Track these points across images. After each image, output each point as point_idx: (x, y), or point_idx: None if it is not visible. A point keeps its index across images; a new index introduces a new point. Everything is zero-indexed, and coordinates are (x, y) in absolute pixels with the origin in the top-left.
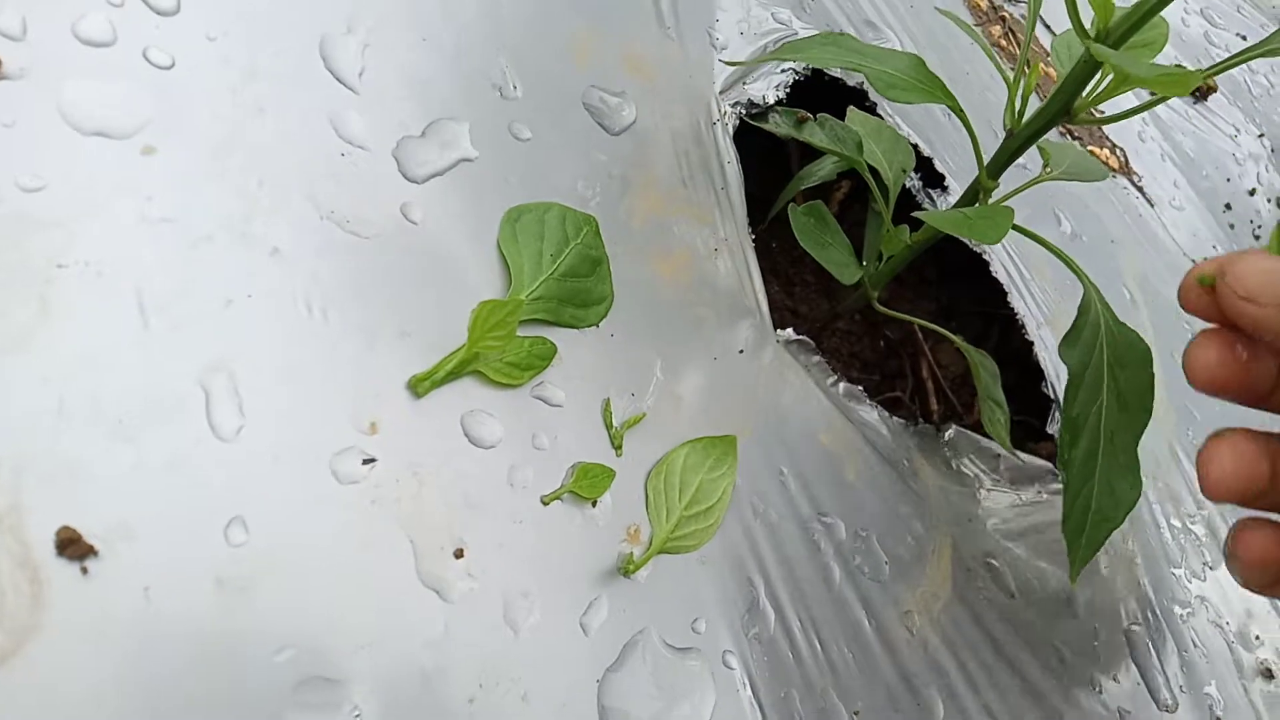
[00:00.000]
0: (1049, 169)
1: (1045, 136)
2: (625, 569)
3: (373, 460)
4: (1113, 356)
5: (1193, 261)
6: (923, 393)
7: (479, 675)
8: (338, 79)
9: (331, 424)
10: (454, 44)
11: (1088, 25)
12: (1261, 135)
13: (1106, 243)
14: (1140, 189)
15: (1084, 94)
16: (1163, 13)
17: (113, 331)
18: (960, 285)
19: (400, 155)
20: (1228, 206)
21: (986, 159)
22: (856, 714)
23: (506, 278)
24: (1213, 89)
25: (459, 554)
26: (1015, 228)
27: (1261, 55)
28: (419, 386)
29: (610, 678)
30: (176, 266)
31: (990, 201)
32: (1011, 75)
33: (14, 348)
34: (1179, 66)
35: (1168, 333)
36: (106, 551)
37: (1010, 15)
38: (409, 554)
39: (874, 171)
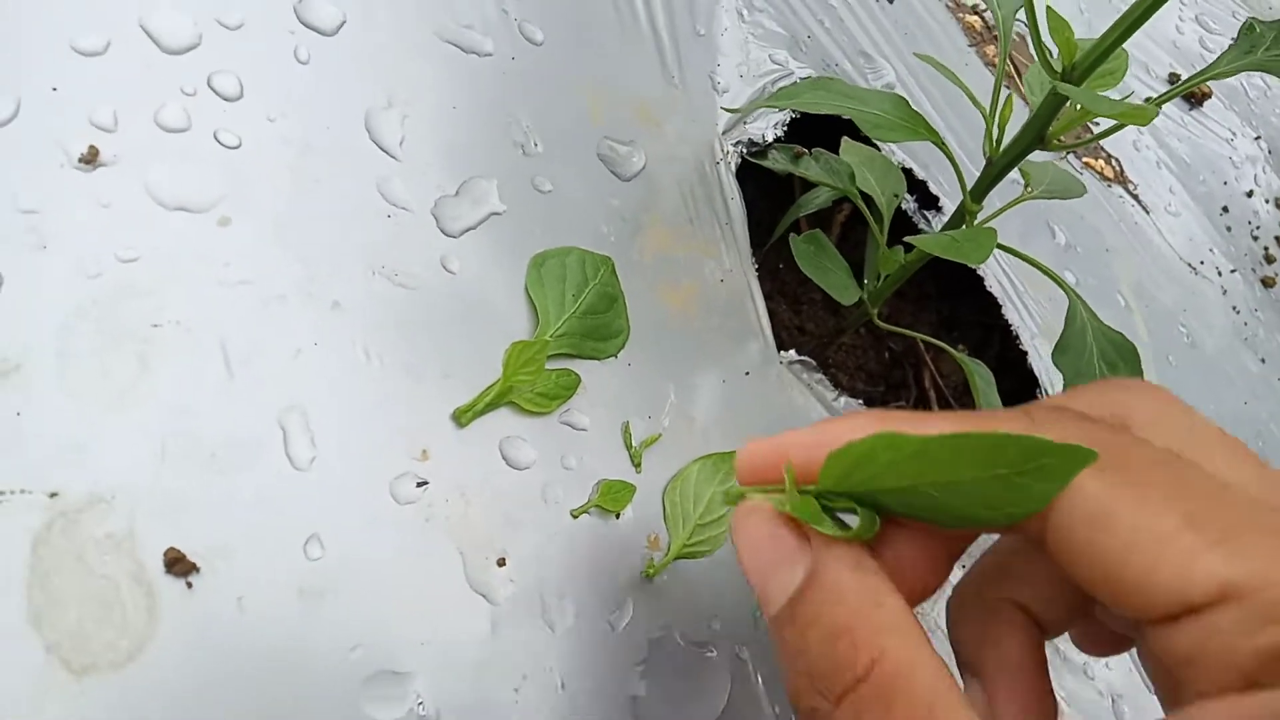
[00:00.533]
0: (1029, 189)
1: (1038, 153)
2: (647, 572)
3: (425, 483)
4: (1104, 359)
5: (1189, 266)
6: (926, 402)
7: (522, 668)
8: (381, 149)
9: (389, 453)
10: (481, 109)
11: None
12: (1259, 138)
13: (1101, 252)
14: (1136, 197)
15: (1054, 124)
16: (1157, 20)
17: (202, 381)
18: (960, 298)
19: (438, 213)
20: (1225, 209)
21: (973, 183)
22: None
23: (534, 318)
24: (1207, 94)
25: (502, 563)
26: (1000, 246)
27: (1212, 78)
28: (462, 417)
29: (638, 669)
30: (253, 323)
31: (975, 223)
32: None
33: (120, 399)
34: (1149, 99)
35: (1163, 336)
36: (206, 568)
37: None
38: (459, 563)
39: (868, 198)
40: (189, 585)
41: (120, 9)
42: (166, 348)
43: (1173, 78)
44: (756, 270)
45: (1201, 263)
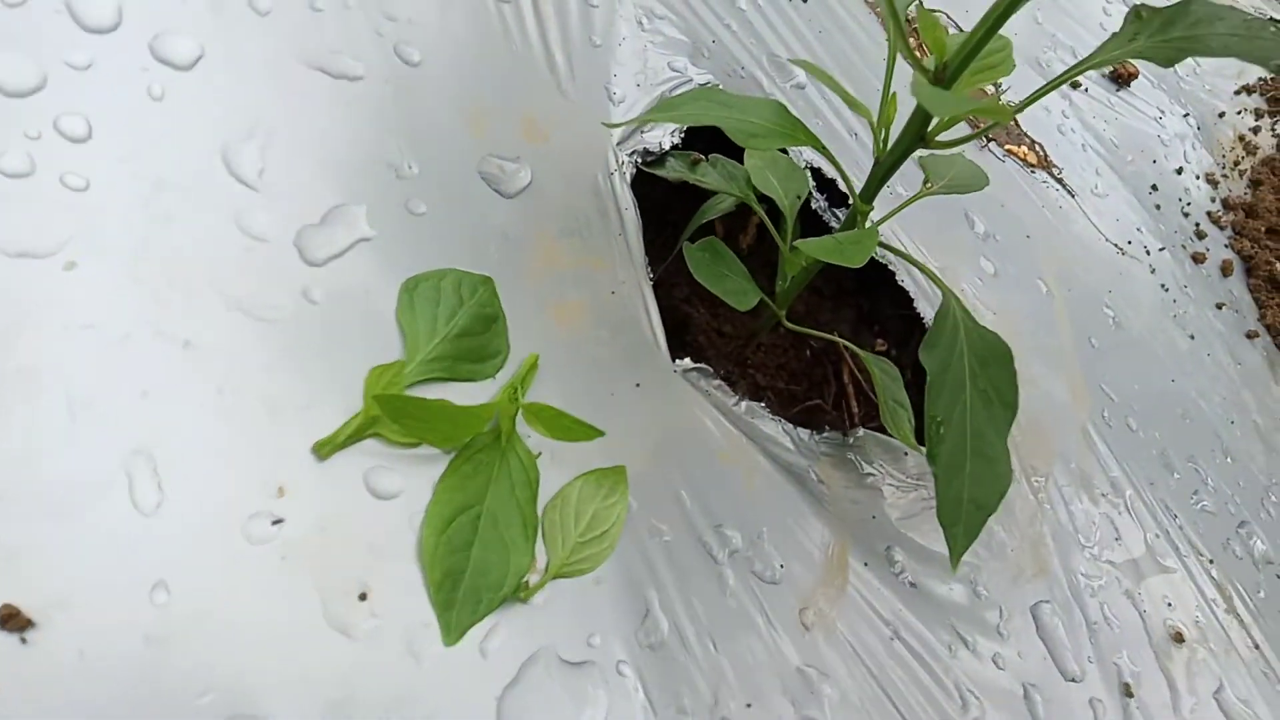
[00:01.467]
0: (929, 184)
1: (936, 152)
2: (520, 595)
3: (281, 520)
4: (974, 358)
5: (1116, 247)
6: (845, 398)
7: (386, 702)
8: (240, 181)
9: (242, 491)
10: (350, 135)
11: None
12: (1187, 115)
13: (1022, 239)
14: (1061, 181)
15: (933, 124)
16: (1083, 3)
17: (44, 427)
18: (879, 292)
19: (300, 243)
20: (1154, 188)
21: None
22: (749, 706)
23: (404, 343)
24: (1134, 74)
25: (363, 597)
26: (883, 245)
27: (1091, 68)
28: (321, 450)
29: (509, 694)
30: (99, 366)
31: (868, 223)
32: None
33: None
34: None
35: (1086, 319)
36: (44, 622)
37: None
38: (316, 601)
39: (770, 200)
40: (23, 641)
41: None
42: (7, 395)
43: None
44: (652, 278)
45: (1129, 242)
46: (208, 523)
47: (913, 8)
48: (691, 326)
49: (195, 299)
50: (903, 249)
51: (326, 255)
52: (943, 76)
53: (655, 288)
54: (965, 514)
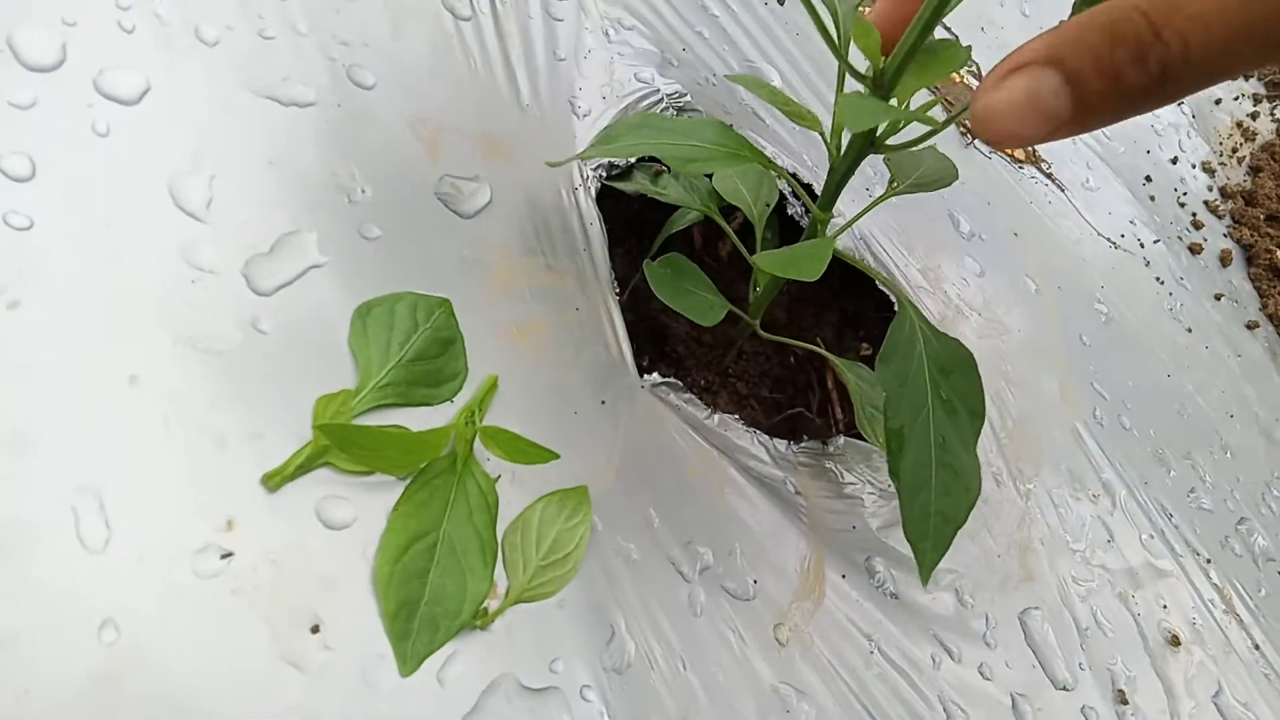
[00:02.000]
0: (895, 184)
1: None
2: (479, 622)
3: (230, 554)
4: (935, 366)
5: (1109, 241)
6: (829, 404)
7: None
8: (187, 213)
9: (190, 526)
10: (301, 162)
11: None
12: (1181, 103)
13: (1009, 237)
14: (1050, 175)
15: (880, 129)
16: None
17: None
18: (862, 295)
19: (249, 272)
20: (1148, 179)
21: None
22: None
23: (357, 369)
24: None
25: (315, 629)
26: (839, 255)
27: None
28: (270, 482)
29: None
30: (43, 404)
31: (828, 231)
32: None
33: None
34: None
35: (1077, 317)
36: None
37: None
38: (267, 635)
39: (734, 210)
40: None
41: None
42: None
43: None
44: (618, 293)
45: (1122, 236)
46: (156, 558)
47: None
48: (670, 337)
49: (141, 334)
50: (882, 252)
51: (276, 284)
52: (881, 82)
53: (631, 300)
54: (933, 528)
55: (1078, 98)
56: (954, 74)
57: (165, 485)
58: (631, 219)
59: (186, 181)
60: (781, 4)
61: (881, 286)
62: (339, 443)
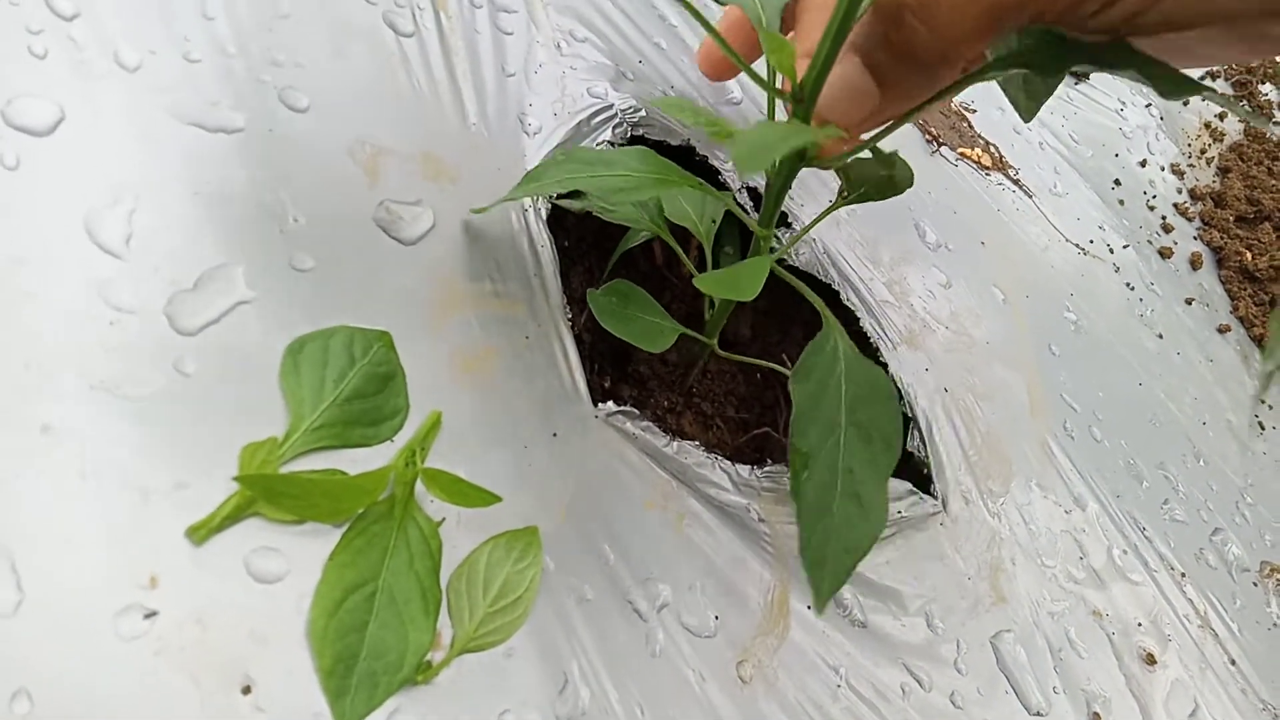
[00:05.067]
0: (845, 193)
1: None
2: (417, 679)
3: (154, 613)
4: (852, 393)
5: (1077, 247)
6: None
7: None
8: (105, 250)
9: (110, 584)
10: (228, 191)
11: None
12: (1149, 105)
13: (975, 246)
14: (1017, 182)
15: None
16: None
17: None
18: (828, 307)
19: (171, 311)
20: (1117, 183)
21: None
22: None
23: (288, 411)
24: None
25: (246, 690)
26: (774, 271)
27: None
28: (195, 535)
29: None
30: None
31: (770, 248)
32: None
33: None
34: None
35: (1046, 325)
36: None
37: None
38: (195, 698)
39: (681, 231)
40: None
41: None
42: None
43: None
44: (569, 319)
45: (1091, 242)
46: (74, 620)
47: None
48: (633, 357)
49: (54, 380)
50: (846, 266)
51: (201, 323)
52: (801, 97)
53: (591, 321)
54: (831, 556)
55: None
56: None
57: (82, 541)
58: (588, 237)
59: (104, 216)
60: None
61: (806, 296)
62: (264, 494)
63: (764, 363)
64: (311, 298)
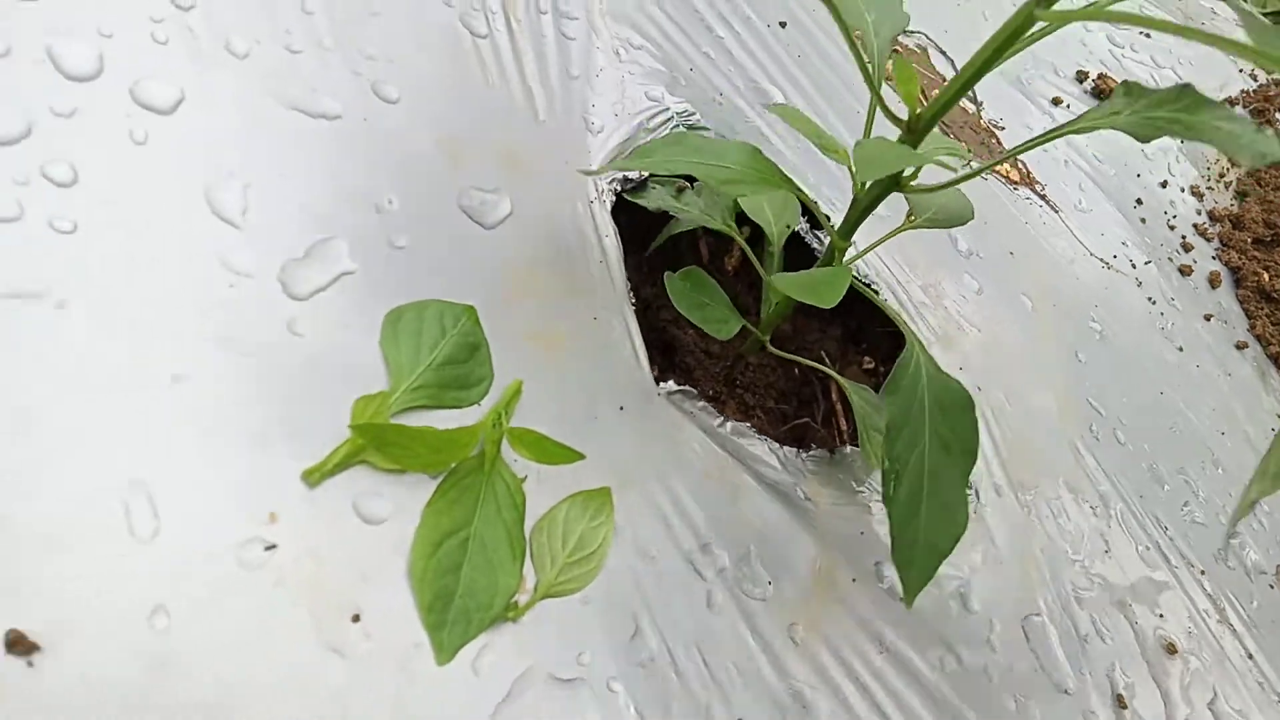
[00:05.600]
0: (912, 218)
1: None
2: (509, 615)
3: (274, 546)
4: (934, 404)
5: (1101, 261)
6: (834, 415)
7: (384, 717)
8: (223, 219)
9: (235, 519)
10: (331, 172)
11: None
12: None
13: (1005, 256)
14: (1044, 197)
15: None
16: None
17: (41, 463)
18: (866, 311)
19: (284, 278)
20: (1139, 202)
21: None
22: None
23: (389, 372)
24: (1114, 88)
25: (356, 619)
26: (854, 285)
27: (1071, 133)
28: (310, 478)
29: (502, 710)
30: (90, 402)
31: (845, 259)
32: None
33: None
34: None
35: (1072, 333)
36: (49, 646)
37: (903, 47)
38: (309, 624)
39: (754, 229)
40: (30, 665)
41: None
42: (3, 430)
43: (1080, 75)
44: (634, 304)
45: (1115, 256)
46: (204, 549)
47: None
48: (679, 348)
49: (183, 335)
50: (885, 269)
51: (310, 289)
52: (915, 128)
53: (642, 311)
54: (919, 556)
55: None
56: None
57: (210, 479)
58: (639, 231)
59: (222, 188)
60: (784, 27)
61: (891, 318)
62: (374, 442)
63: (811, 363)
64: (406, 272)
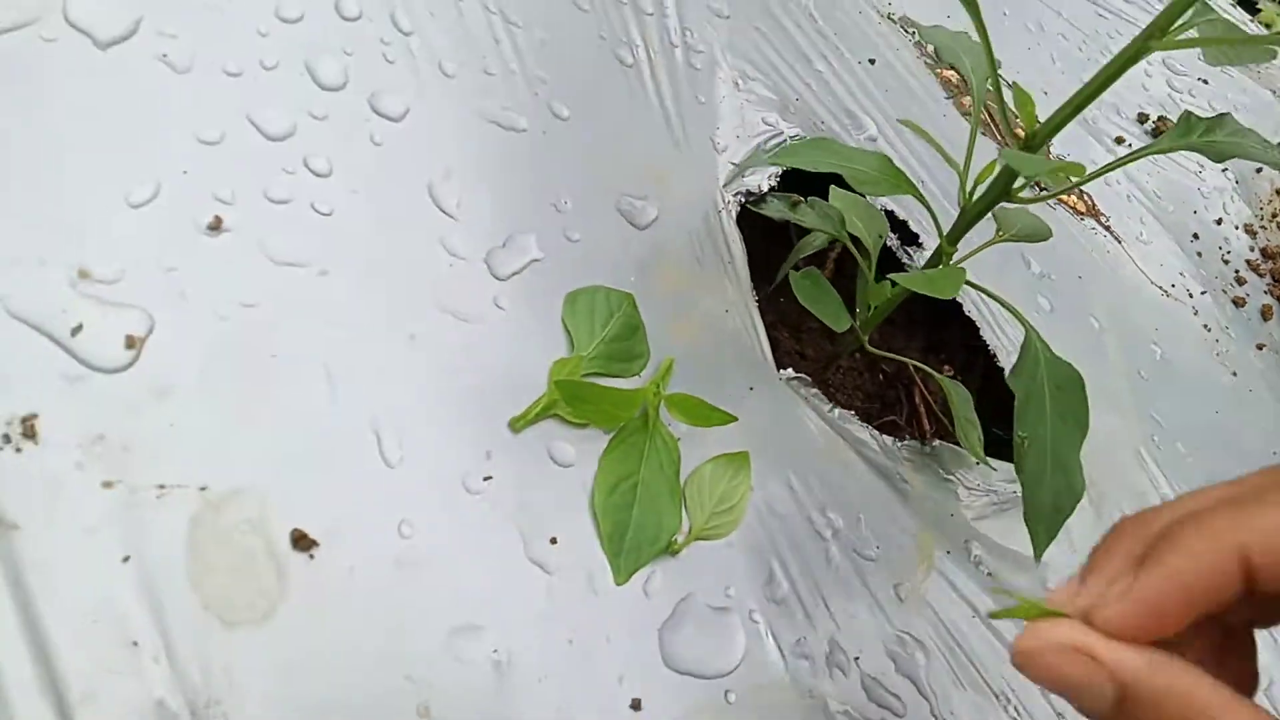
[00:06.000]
0: (1000, 233)
1: (1036, 202)
2: (672, 550)
3: (490, 478)
4: (1051, 383)
5: (1161, 290)
6: (917, 416)
7: (574, 624)
8: (443, 210)
9: (459, 454)
10: (520, 175)
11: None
12: (1225, 169)
13: (1074, 279)
14: (1108, 228)
15: (1016, 183)
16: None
17: (312, 398)
18: (945, 323)
19: (490, 261)
20: (1195, 236)
21: (949, 227)
22: (857, 659)
23: (569, 344)
24: None
25: (554, 541)
26: (969, 284)
27: (1155, 153)
28: (515, 425)
29: (667, 626)
30: (348, 352)
31: (951, 262)
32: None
33: (250, 413)
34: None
35: (1135, 354)
36: (324, 544)
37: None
38: (519, 541)
39: (855, 239)
40: (311, 558)
41: (231, 106)
42: (282, 372)
43: (1141, 118)
44: (758, 303)
45: (1173, 286)
46: (437, 476)
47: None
48: (777, 350)
49: (416, 302)
50: (968, 285)
51: (509, 272)
52: (1031, 144)
53: None
54: (1046, 517)
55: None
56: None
57: (441, 419)
58: (749, 245)
59: (441, 185)
60: (872, 63)
61: (1009, 312)
62: (569, 395)
63: (907, 359)
64: (579, 262)
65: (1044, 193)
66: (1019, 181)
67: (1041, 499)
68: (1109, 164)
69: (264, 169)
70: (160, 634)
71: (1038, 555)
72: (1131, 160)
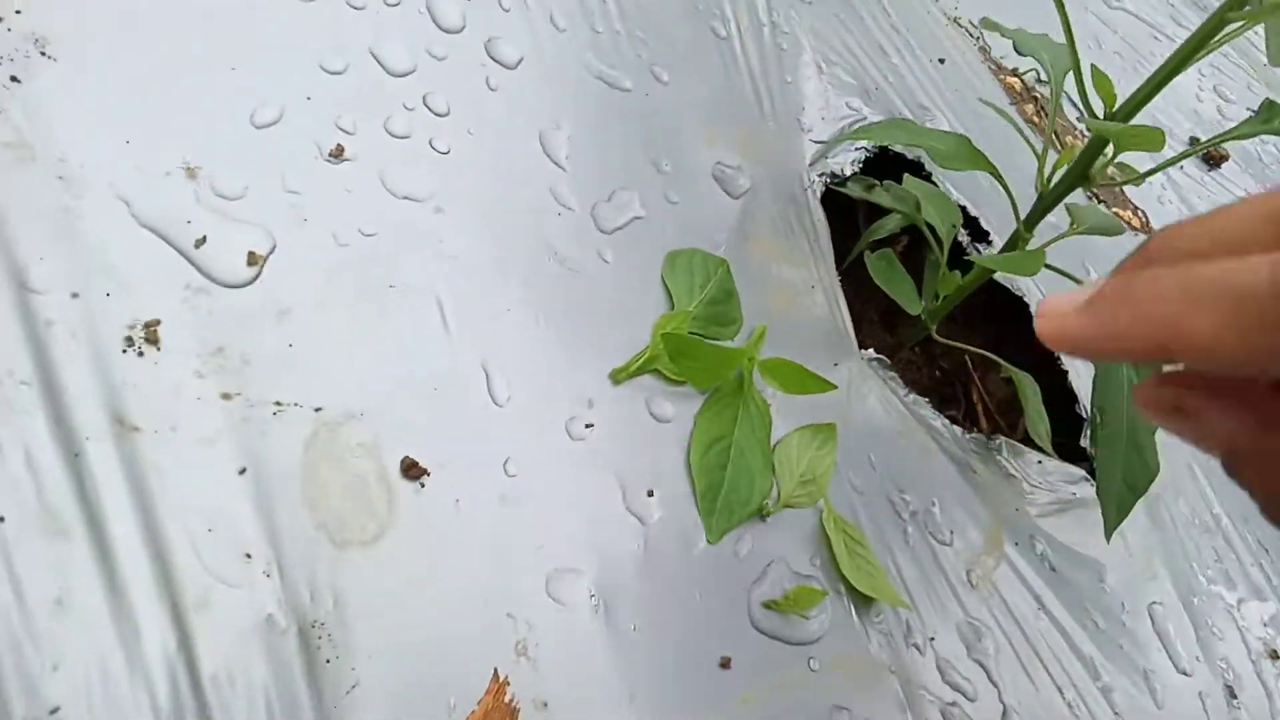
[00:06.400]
0: (1075, 226)
1: (1075, 202)
2: (764, 512)
3: (592, 425)
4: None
5: None
6: (974, 413)
7: (668, 576)
8: (552, 160)
9: (564, 400)
10: (624, 133)
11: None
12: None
13: None
14: None
15: (1096, 164)
16: (1178, 88)
17: (425, 330)
18: (1005, 323)
19: (595, 214)
20: None
21: (1023, 215)
22: (933, 640)
23: (668, 302)
24: (1225, 157)
25: (650, 494)
26: (1048, 265)
27: (1238, 138)
28: (617, 376)
29: (755, 587)
30: (462, 288)
31: (1026, 249)
32: (1040, 148)
33: (365, 340)
34: (1183, 152)
35: None
36: (434, 473)
37: (1041, 95)
38: (618, 491)
39: (930, 227)
40: (421, 486)
41: (356, 39)
42: (398, 303)
43: (1193, 141)
44: (840, 278)
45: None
46: (541, 419)
47: (1087, 70)
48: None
49: (527, 246)
50: (1027, 282)
51: (613, 226)
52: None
53: None
54: (1119, 493)
55: None
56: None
57: (547, 365)
58: (833, 222)
59: (552, 135)
60: (941, 63)
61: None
62: (673, 349)
63: (978, 350)
64: (677, 223)
65: (1117, 178)
66: (1097, 164)
67: (1115, 474)
68: (1183, 151)
69: (385, 102)
70: (273, 548)
71: (1109, 533)
72: (1214, 144)
